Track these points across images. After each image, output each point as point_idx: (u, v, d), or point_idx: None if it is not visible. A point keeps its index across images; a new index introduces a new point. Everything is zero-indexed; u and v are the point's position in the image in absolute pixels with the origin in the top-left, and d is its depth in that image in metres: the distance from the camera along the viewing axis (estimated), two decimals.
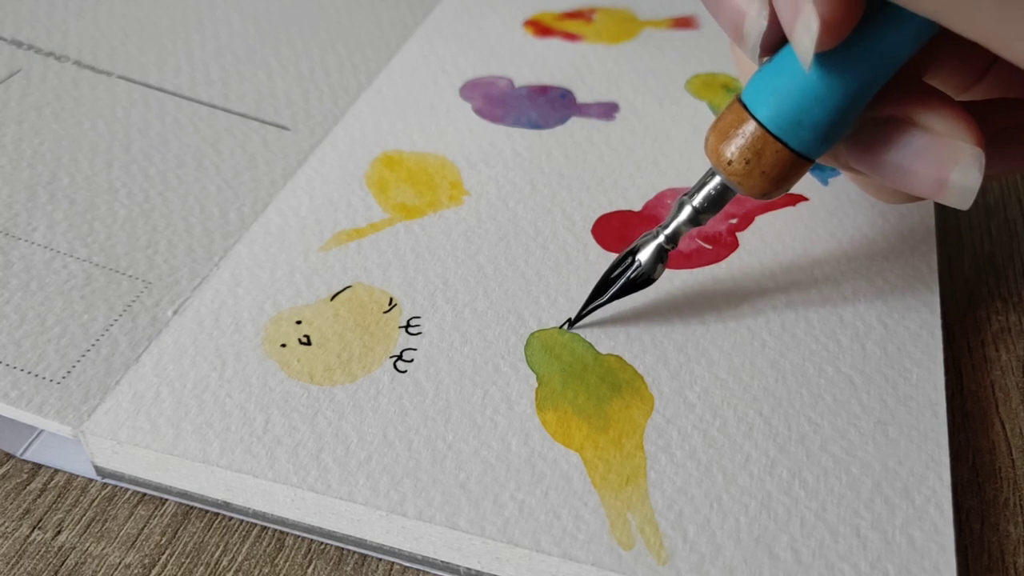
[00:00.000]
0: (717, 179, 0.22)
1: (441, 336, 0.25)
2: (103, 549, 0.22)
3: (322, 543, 0.22)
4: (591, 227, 0.28)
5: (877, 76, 0.20)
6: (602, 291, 0.25)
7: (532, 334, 0.25)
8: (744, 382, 0.24)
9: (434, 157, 0.31)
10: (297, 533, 0.22)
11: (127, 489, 0.23)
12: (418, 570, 0.22)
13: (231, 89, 0.34)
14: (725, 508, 0.21)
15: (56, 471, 0.24)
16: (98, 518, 0.22)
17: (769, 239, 0.28)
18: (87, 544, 0.22)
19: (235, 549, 0.22)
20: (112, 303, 0.25)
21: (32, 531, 0.22)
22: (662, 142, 0.32)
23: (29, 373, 0.23)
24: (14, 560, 0.21)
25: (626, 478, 0.21)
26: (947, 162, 0.20)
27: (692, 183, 0.23)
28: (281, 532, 0.22)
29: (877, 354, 0.24)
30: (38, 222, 0.28)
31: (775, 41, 0.20)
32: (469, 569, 0.21)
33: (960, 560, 0.21)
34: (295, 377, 0.23)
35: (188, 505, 0.23)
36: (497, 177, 0.30)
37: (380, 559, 0.22)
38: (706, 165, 0.23)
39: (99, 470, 0.23)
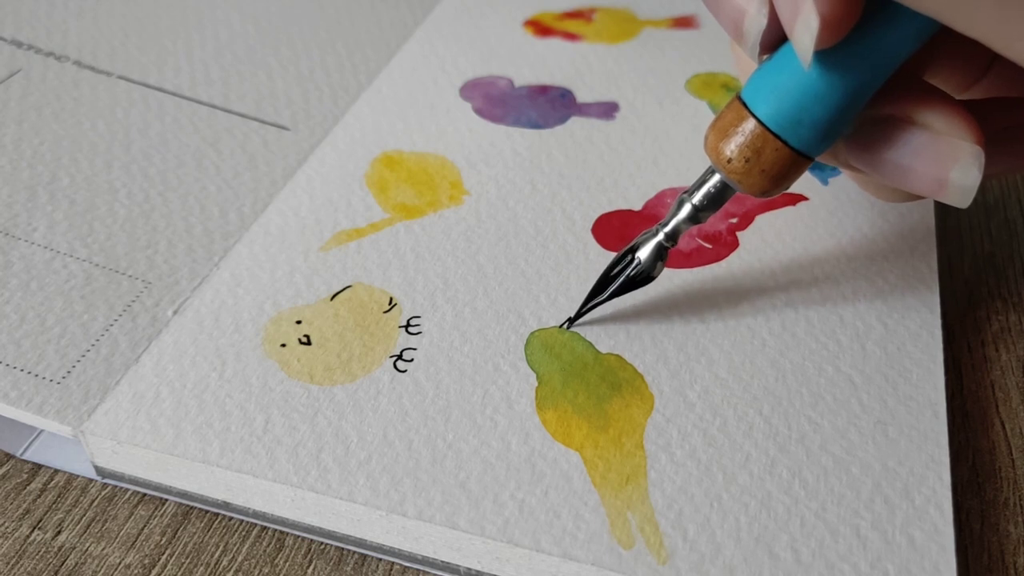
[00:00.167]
0: (717, 177, 0.22)
1: (441, 336, 0.25)
2: (103, 549, 0.22)
3: (322, 543, 0.22)
4: (591, 226, 0.28)
5: (877, 74, 0.20)
6: (602, 289, 0.25)
7: (532, 333, 0.25)
8: (744, 381, 0.24)
9: (434, 157, 0.31)
10: (297, 533, 0.22)
11: (127, 489, 0.23)
12: (418, 570, 0.22)
13: (231, 89, 0.34)
14: (725, 507, 0.21)
15: (56, 471, 0.24)
16: (98, 518, 0.22)
17: (769, 238, 0.28)
18: (87, 544, 0.22)
19: (235, 549, 0.22)
20: (112, 303, 0.25)
21: (32, 531, 0.22)
22: (662, 142, 0.32)
23: (29, 373, 0.23)
24: (14, 560, 0.21)
25: (626, 477, 0.21)
26: (947, 160, 0.20)
27: (692, 182, 0.23)
28: (281, 532, 0.22)
29: (877, 354, 0.24)
30: (38, 222, 0.28)
31: (775, 39, 0.20)
32: (469, 569, 0.21)
33: (960, 560, 0.21)
34: (295, 377, 0.23)
35: (188, 505, 0.23)
36: (497, 177, 0.30)
37: (380, 559, 0.22)
38: (706, 164, 0.23)
39: (99, 470, 0.23)
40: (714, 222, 0.28)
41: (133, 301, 0.25)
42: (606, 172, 0.31)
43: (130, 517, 0.22)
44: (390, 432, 0.22)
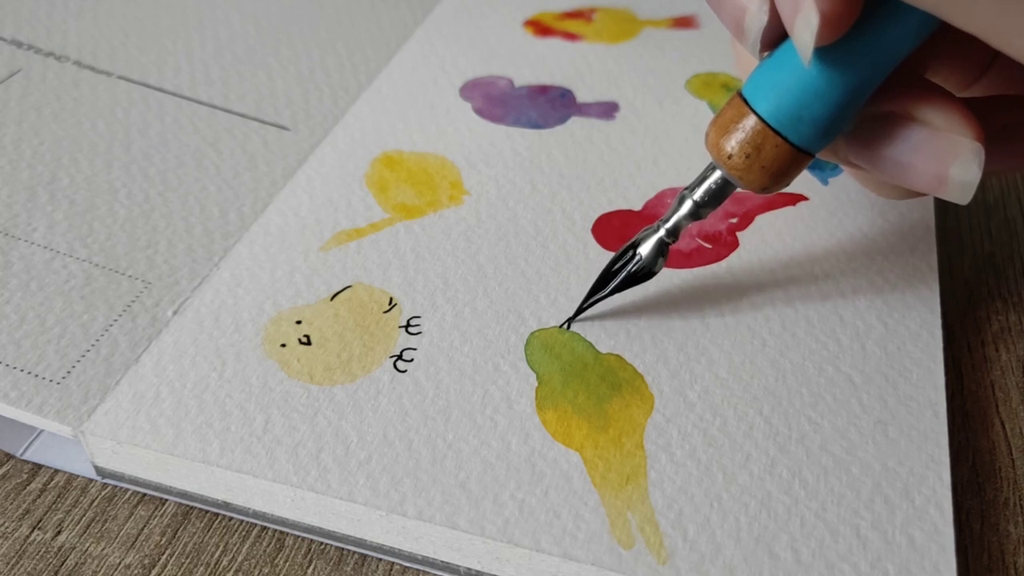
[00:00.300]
0: (717, 173, 0.22)
1: (441, 336, 0.25)
2: (103, 549, 0.22)
3: (322, 543, 0.22)
4: (591, 226, 0.28)
5: (877, 71, 0.20)
6: (603, 285, 0.25)
7: (532, 333, 0.25)
8: (744, 381, 0.24)
9: (434, 157, 0.31)
10: (297, 533, 0.22)
11: (127, 489, 0.23)
12: (418, 570, 0.21)
13: (231, 89, 0.34)
14: (725, 507, 0.21)
15: (56, 471, 0.24)
16: (98, 518, 0.22)
17: (769, 239, 0.28)
18: (87, 544, 0.22)
19: (235, 549, 0.22)
20: (112, 303, 0.25)
21: (32, 531, 0.22)
22: (662, 142, 0.32)
23: (29, 373, 0.23)
24: (14, 560, 0.21)
25: (626, 477, 0.21)
26: (946, 157, 0.20)
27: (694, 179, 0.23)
28: (281, 532, 0.22)
29: (877, 353, 0.24)
30: (38, 222, 0.28)
31: (775, 36, 0.20)
32: (469, 569, 0.21)
33: (960, 560, 0.21)
34: (295, 377, 0.23)
35: (188, 505, 0.23)
36: (497, 177, 0.30)
37: (380, 559, 0.22)
38: (706, 164, 0.23)
39: (99, 470, 0.23)
40: (714, 222, 0.28)
41: (133, 301, 0.25)
42: (606, 172, 0.31)
43: (130, 517, 0.22)
44: (390, 432, 0.22)
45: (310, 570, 0.21)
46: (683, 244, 0.27)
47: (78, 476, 0.23)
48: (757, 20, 0.20)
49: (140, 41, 0.37)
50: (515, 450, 0.22)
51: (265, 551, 0.22)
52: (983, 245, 0.30)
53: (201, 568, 0.21)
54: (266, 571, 0.21)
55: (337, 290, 0.26)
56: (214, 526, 0.22)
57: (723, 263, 0.27)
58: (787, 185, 0.22)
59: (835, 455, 0.22)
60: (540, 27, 0.39)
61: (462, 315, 0.25)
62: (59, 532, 0.22)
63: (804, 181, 0.30)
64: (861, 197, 0.29)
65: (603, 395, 0.23)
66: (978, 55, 0.24)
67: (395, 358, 0.24)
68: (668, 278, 0.26)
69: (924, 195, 0.25)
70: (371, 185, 0.30)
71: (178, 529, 0.22)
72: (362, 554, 0.22)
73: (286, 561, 0.22)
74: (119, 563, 0.21)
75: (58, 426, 0.22)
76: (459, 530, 0.20)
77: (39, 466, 0.24)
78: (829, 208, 0.29)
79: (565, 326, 0.25)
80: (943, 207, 0.31)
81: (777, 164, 0.21)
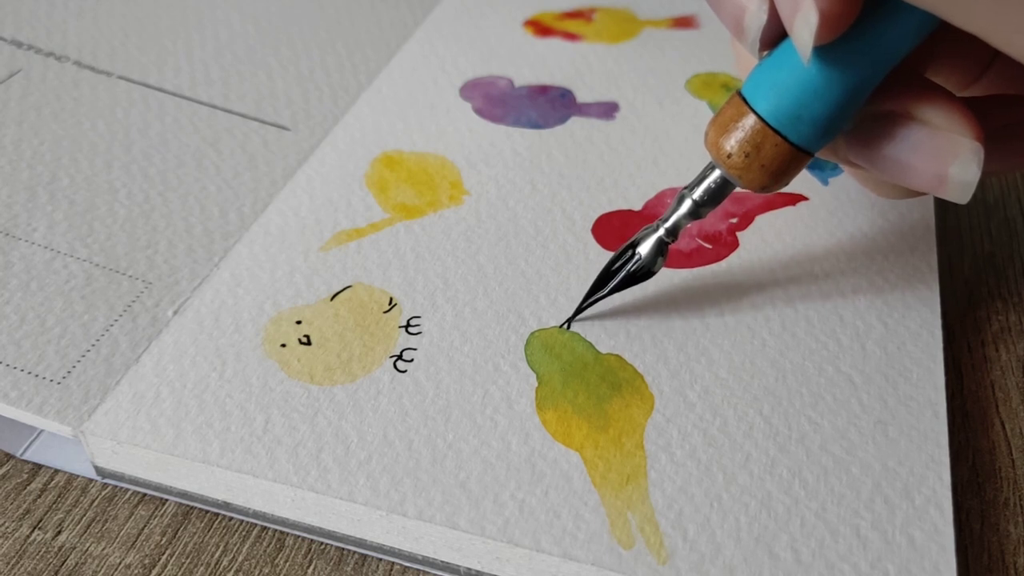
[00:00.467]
0: (717, 172, 0.22)
1: (441, 336, 0.25)
2: (103, 549, 0.22)
3: (322, 543, 0.22)
4: (591, 226, 0.28)
5: (876, 70, 0.20)
6: (602, 284, 0.25)
7: (532, 333, 0.25)
8: (744, 381, 0.24)
9: (434, 157, 0.31)
10: (297, 533, 0.22)
11: (127, 489, 0.23)
12: (418, 570, 0.21)
13: (231, 89, 0.34)
14: (725, 507, 0.21)
15: (56, 471, 0.24)
16: (98, 518, 0.22)
17: (769, 239, 0.28)
18: (87, 544, 0.22)
19: (235, 549, 0.22)
20: (112, 303, 0.25)
21: (32, 531, 0.22)
22: (662, 142, 0.32)
23: (29, 373, 0.23)
24: (14, 560, 0.21)
25: (626, 477, 0.21)
26: (946, 156, 0.20)
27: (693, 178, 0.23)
28: (281, 532, 0.22)
29: (877, 353, 0.24)
30: (38, 222, 0.28)
31: (775, 35, 0.20)
32: (469, 569, 0.21)
33: (960, 560, 0.21)
34: (295, 377, 0.23)
35: (188, 505, 0.23)
36: (497, 177, 0.30)
37: (380, 559, 0.22)
38: (706, 163, 0.23)
39: (99, 470, 0.23)
40: (714, 222, 0.28)
41: (133, 301, 0.25)
42: (606, 172, 0.31)
43: (130, 517, 0.22)
44: (390, 432, 0.22)
45: (310, 570, 0.21)
46: (683, 244, 0.27)
47: (78, 476, 0.23)
48: (756, 19, 0.20)
49: (140, 41, 0.37)
50: (515, 450, 0.22)
51: (265, 551, 0.22)
52: (983, 245, 0.30)
53: (201, 568, 0.21)
54: (266, 571, 0.21)
55: (337, 290, 0.26)
56: (214, 526, 0.22)
57: (723, 263, 0.27)
58: (786, 184, 0.22)
59: (835, 455, 0.22)
60: (540, 27, 0.39)
61: (462, 315, 0.25)
62: (59, 532, 0.22)
63: (804, 181, 0.30)
64: (861, 197, 0.29)
65: (603, 395, 0.23)
66: (978, 54, 0.24)
67: (395, 358, 0.24)
68: (668, 278, 0.26)
69: (924, 195, 0.25)
70: (371, 185, 0.30)
71: (178, 529, 0.22)
72: (362, 554, 0.22)
73: (286, 561, 0.22)
74: (119, 563, 0.21)
75: (58, 426, 0.22)
76: (459, 530, 0.20)
77: (39, 466, 0.24)
78: (829, 208, 0.29)
79: (565, 326, 0.25)
80: (943, 207, 0.31)
81: (776, 163, 0.21)
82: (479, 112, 0.33)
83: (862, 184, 0.26)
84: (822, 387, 0.23)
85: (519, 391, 0.23)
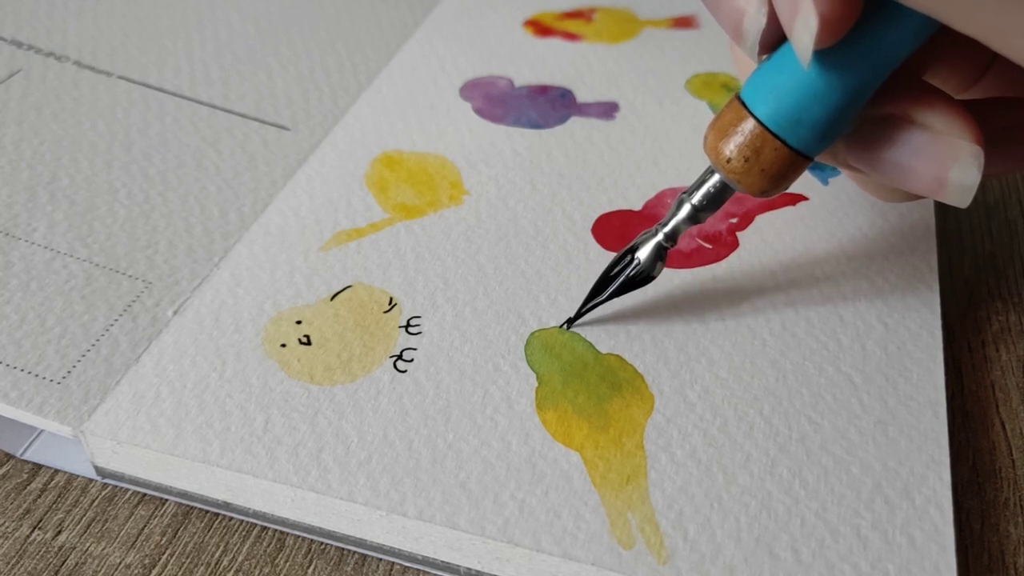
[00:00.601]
0: (716, 177, 0.22)
1: (441, 335, 0.25)
2: (103, 549, 0.22)
3: (322, 543, 0.22)
4: (591, 226, 0.28)
5: (876, 74, 0.20)
6: (601, 289, 0.25)
7: (532, 333, 0.25)
8: (744, 381, 0.24)
9: (434, 157, 0.31)
10: (297, 533, 0.22)
11: (127, 489, 0.23)
12: (418, 570, 0.22)
13: (231, 89, 0.34)
14: (725, 507, 0.21)
15: (56, 471, 0.24)
16: (98, 518, 0.22)
17: (769, 239, 0.28)
18: (87, 544, 0.22)
19: (235, 549, 0.22)
20: (112, 303, 0.25)
21: (32, 531, 0.22)
22: (662, 142, 0.32)
23: (29, 373, 0.23)
24: (14, 560, 0.21)
25: (626, 477, 0.21)
26: (946, 160, 0.20)
27: (692, 182, 0.23)
28: (281, 532, 0.22)
29: (877, 354, 0.24)
30: (38, 222, 0.28)
31: (774, 39, 0.20)
32: (469, 569, 0.21)
33: (960, 560, 0.21)
34: (295, 377, 0.23)
35: (188, 505, 0.23)
36: (497, 177, 0.30)
37: (380, 559, 0.22)
38: (706, 164, 0.23)
39: (99, 470, 0.23)
40: (714, 222, 0.28)
41: (133, 301, 0.25)
42: (606, 172, 0.31)
43: (130, 517, 0.22)
44: (390, 432, 0.22)
45: (310, 570, 0.21)
46: (683, 244, 0.27)
47: (78, 476, 0.23)
48: (756, 23, 0.20)
49: (140, 41, 0.37)
50: (515, 450, 0.22)
51: (265, 551, 0.22)
52: (983, 245, 0.30)
53: (201, 568, 0.21)
54: (266, 571, 0.21)
55: (337, 290, 0.26)
56: (214, 526, 0.22)
57: (723, 263, 0.27)
58: (786, 188, 0.22)
59: (835, 455, 0.22)
60: (540, 27, 0.39)
61: (462, 315, 0.25)
62: (59, 532, 0.22)
63: (804, 181, 0.30)
64: (861, 197, 0.29)
65: (603, 395, 0.23)
66: (977, 57, 0.24)
67: (395, 358, 0.24)
68: (668, 278, 0.26)
69: (923, 198, 0.25)
70: (371, 185, 0.30)
71: (178, 529, 0.22)
72: (362, 554, 0.22)
73: (286, 561, 0.22)
74: (119, 563, 0.21)
75: (58, 426, 0.22)
76: (459, 530, 0.20)
77: (39, 466, 0.24)
78: (829, 208, 0.29)
79: (564, 327, 0.25)
80: (943, 207, 0.31)
81: (776, 167, 0.21)
82: (479, 112, 0.33)
83: (862, 187, 0.26)
84: (822, 387, 0.23)
85: (519, 391, 0.23)
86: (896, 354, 0.24)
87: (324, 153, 0.31)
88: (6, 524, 0.22)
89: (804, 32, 0.18)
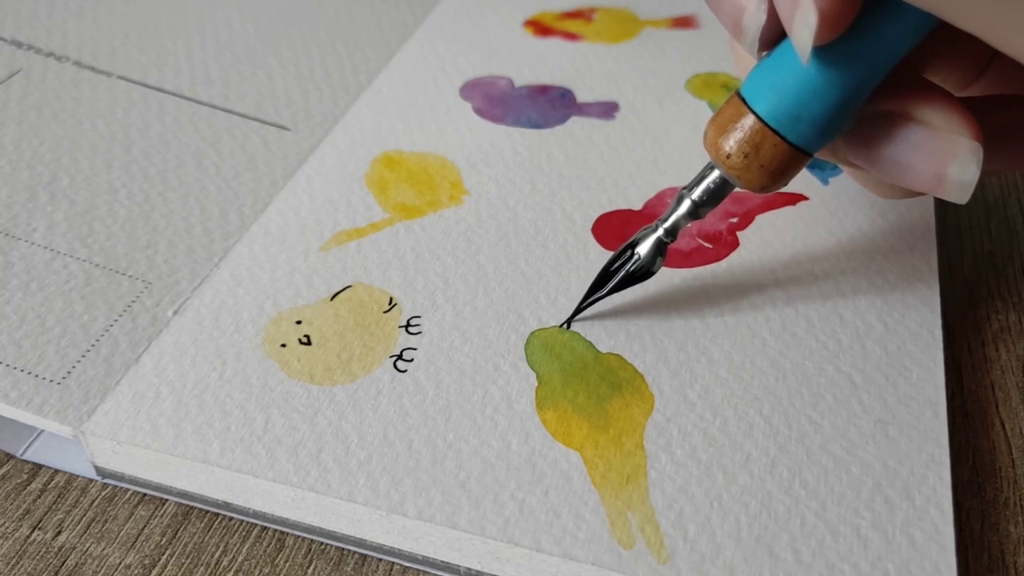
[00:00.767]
0: (716, 172, 0.22)
1: (441, 335, 0.25)
2: (103, 549, 0.22)
3: (322, 543, 0.22)
4: (591, 226, 0.28)
5: (876, 70, 0.20)
6: (601, 284, 0.25)
7: (532, 333, 0.25)
8: (744, 381, 0.24)
9: (434, 157, 0.31)
10: (297, 533, 0.22)
11: (127, 489, 0.23)
12: (418, 570, 0.22)
13: (231, 89, 0.34)
14: (725, 507, 0.21)
15: (56, 471, 0.24)
16: (98, 518, 0.22)
17: (769, 238, 0.28)
18: (87, 544, 0.22)
19: (235, 549, 0.22)
20: (112, 303, 0.25)
21: (32, 531, 0.22)
22: (662, 142, 0.32)
23: (29, 373, 0.23)
24: (14, 560, 0.21)
25: (626, 477, 0.21)
26: (945, 156, 0.20)
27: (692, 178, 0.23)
28: (281, 532, 0.22)
29: (877, 353, 0.24)
30: (38, 222, 0.28)
31: (774, 35, 0.20)
32: (469, 569, 0.21)
33: (960, 560, 0.21)
34: (295, 377, 0.23)
35: (188, 505, 0.23)
36: (497, 177, 0.30)
37: (380, 559, 0.22)
38: (706, 163, 0.23)
39: (99, 470, 0.23)
40: (714, 222, 0.28)
41: (133, 301, 0.25)
42: (606, 172, 0.31)
43: (130, 517, 0.22)
44: (390, 432, 0.22)
45: (310, 570, 0.21)
46: (683, 244, 0.27)
47: (78, 476, 0.23)
48: (755, 19, 0.20)
49: (140, 41, 0.37)
50: (515, 450, 0.22)
51: (265, 551, 0.22)
52: (983, 244, 0.30)
53: (201, 568, 0.21)
54: (266, 571, 0.21)
55: (337, 290, 0.26)
56: (214, 526, 0.22)
57: (723, 263, 0.27)
58: (785, 184, 0.22)
59: (835, 455, 0.22)
60: (540, 27, 0.39)
61: (462, 315, 0.25)
62: (59, 532, 0.22)
63: (804, 181, 0.30)
64: (861, 197, 0.29)
65: (603, 395, 0.23)
66: (977, 54, 0.24)
67: (395, 358, 0.24)
68: (668, 277, 0.26)
69: (923, 195, 0.25)
70: (371, 185, 0.30)
71: (178, 529, 0.22)
72: (362, 554, 0.22)
73: (286, 561, 0.22)
74: (119, 563, 0.21)
75: (58, 426, 0.22)
76: (459, 530, 0.20)
77: (39, 466, 0.24)
78: (829, 208, 0.29)
79: (564, 326, 0.25)
80: (943, 206, 0.31)
81: (775, 163, 0.21)
82: (479, 112, 0.33)
83: (861, 184, 0.26)
84: (822, 387, 0.23)
85: (519, 391, 0.23)
86: (896, 353, 0.24)
87: (324, 153, 0.31)
88: (6, 524, 0.22)
89: (803, 28, 0.18)
